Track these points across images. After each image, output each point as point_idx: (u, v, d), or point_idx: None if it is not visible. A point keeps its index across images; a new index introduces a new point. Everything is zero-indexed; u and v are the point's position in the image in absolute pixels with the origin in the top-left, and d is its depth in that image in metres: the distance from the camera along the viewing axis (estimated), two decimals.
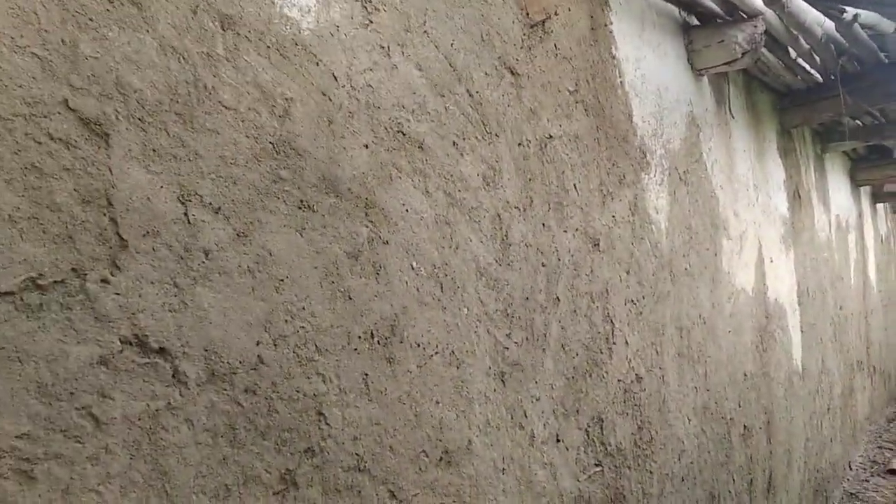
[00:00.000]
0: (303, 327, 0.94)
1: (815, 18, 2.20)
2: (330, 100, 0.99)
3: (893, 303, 6.71)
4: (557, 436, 1.50)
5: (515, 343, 1.39)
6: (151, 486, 0.77)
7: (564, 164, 1.58)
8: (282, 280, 0.91)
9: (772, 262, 3.04)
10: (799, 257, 3.48)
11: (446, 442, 1.18)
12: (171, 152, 0.80)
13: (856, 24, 2.33)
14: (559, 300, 1.53)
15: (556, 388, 1.50)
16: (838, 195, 4.53)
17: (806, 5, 2.11)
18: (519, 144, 1.43)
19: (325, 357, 0.97)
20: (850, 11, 2.14)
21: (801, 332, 3.48)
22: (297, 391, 0.93)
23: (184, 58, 0.81)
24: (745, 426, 2.61)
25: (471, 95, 1.29)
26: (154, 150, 0.78)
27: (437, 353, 1.17)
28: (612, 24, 1.82)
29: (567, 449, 1.52)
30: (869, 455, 4.78)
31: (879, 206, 6.21)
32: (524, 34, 1.46)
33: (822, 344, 3.90)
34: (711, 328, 2.35)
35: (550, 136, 1.53)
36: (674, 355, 2.07)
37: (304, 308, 0.94)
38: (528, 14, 1.47)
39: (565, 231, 1.57)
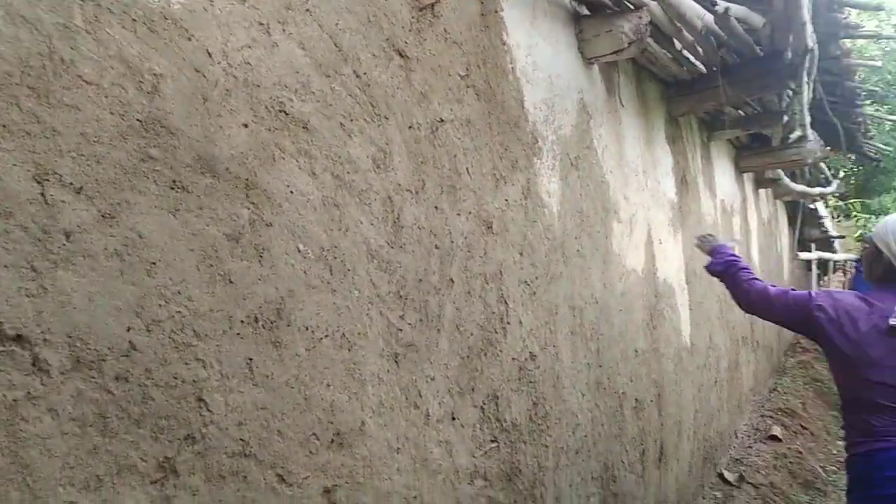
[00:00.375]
0: (179, 312, 0.91)
1: (696, 11, 2.33)
2: (204, 77, 0.96)
3: (773, 280, 7.23)
4: (453, 414, 1.53)
5: (409, 324, 1.40)
6: (11, 480, 0.73)
7: (457, 147, 1.60)
8: (154, 263, 0.88)
9: (661, 243, 3.21)
10: (687, 239, 3.68)
11: (338, 424, 1.18)
12: (24, 129, 0.75)
13: (732, 19, 2.49)
14: (453, 282, 1.56)
15: (451, 368, 1.53)
16: (723, 181, 4.82)
17: None
18: (410, 127, 1.44)
19: (204, 342, 0.95)
20: (722, 4, 2.28)
21: (690, 309, 3.70)
22: (175, 377, 0.91)
23: (36, 28, 0.77)
24: (636, 399, 2.74)
25: (358, 77, 1.29)
26: (4, 126, 0.74)
27: (326, 335, 1.17)
28: (502, 10, 1.85)
29: (463, 426, 1.56)
30: (753, 423, 5.15)
31: (762, 191, 6.66)
32: (413, 17, 1.47)
33: (710, 321, 4.16)
34: (604, 307, 2.46)
35: (442, 120, 1.55)
36: (567, 333, 2.15)
37: (179, 292, 0.91)
38: None
39: (458, 214, 1.60)
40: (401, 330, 1.37)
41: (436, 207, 1.52)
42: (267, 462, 1.04)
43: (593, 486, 2.26)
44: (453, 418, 1.53)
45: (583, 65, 2.41)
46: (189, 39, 0.94)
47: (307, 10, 1.17)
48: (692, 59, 3.02)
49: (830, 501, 4.22)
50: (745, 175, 5.69)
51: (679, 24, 2.37)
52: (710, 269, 2.47)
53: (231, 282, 0.99)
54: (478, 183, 1.69)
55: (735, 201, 5.23)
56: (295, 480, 1.09)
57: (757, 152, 5.21)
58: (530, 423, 1.87)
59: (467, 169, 1.65)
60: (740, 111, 4.13)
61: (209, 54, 0.97)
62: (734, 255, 2.45)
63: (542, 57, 2.08)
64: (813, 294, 2.15)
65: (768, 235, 7.05)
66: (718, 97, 3.17)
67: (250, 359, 1.02)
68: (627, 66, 2.91)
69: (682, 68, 3.10)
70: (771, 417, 5.34)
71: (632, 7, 2.29)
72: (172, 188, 0.91)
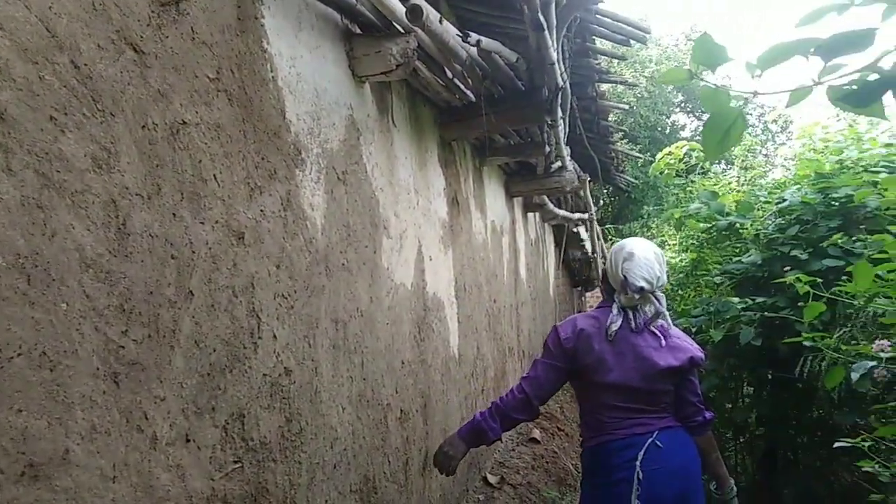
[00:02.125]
0: None
1: (459, 42, 2.47)
2: None
3: (540, 297, 7.91)
4: (187, 436, 1.43)
5: (134, 341, 1.29)
6: None
7: (202, 153, 1.52)
8: None
9: (431, 260, 3.35)
10: (457, 256, 3.89)
11: (31, 454, 1.04)
12: None
13: (494, 53, 2.69)
14: (193, 294, 1.47)
15: (187, 387, 1.44)
16: (495, 203, 5.18)
17: (450, 27, 2.35)
18: (143, 127, 1.34)
19: None
20: (474, 37, 2.45)
21: (459, 322, 3.90)
22: None
23: None
24: (401, 410, 2.81)
25: (77, 67, 1.17)
26: None
27: (19, 354, 1.03)
28: (263, 18, 1.81)
29: (199, 448, 1.47)
30: (517, 428, 5.54)
31: (530, 214, 7.27)
32: (153, 11, 1.37)
33: (478, 333, 4.41)
34: (369, 320, 2.49)
35: (185, 122, 1.46)
36: (328, 347, 2.14)
37: None
38: None
39: (202, 223, 1.51)
40: (123, 347, 1.25)
41: (174, 214, 1.42)
42: None
43: (352, 499, 2.27)
44: (188, 440, 1.43)
45: (353, 82, 2.43)
46: None
47: None
48: (462, 87, 3.21)
49: (578, 494, 4.68)
50: (516, 199, 6.17)
51: (445, 53, 2.50)
52: (468, 436, 2.43)
53: None
54: (228, 191, 1.62)
55: (505, 222, 5.64)
56: None
57: (524, 178, 5.69)
58: (282, 440, 1.82)
59: (215, 176, 1.57)
60: (508, 140, 4.47)
61: None
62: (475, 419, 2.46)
63: (307, 69, 2.06)
64: (559, 333, 2.40)
65: (536, 255, 7.70)
66: (485, 125, 3.40)
67: None
68: (402, 89, 3.01)
69: (453, 95, 3.27)
70: (533, 422, 5.80)
71: (401, 31, 2.37)
72: None
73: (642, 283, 2.31)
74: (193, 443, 1.45)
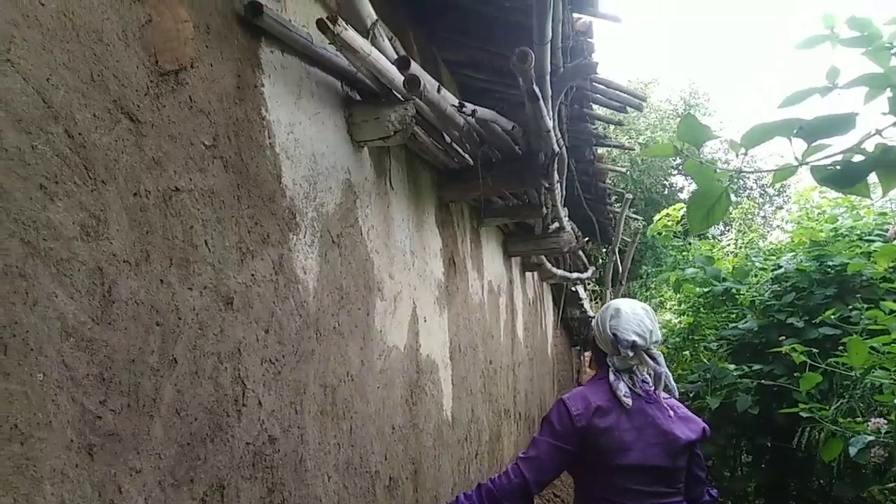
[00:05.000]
0: None
1: (456, 110, 2.52)
2: None
3: (538, 357, 7.84)
4: None
5: (112, 411, 1.26)
6: None
7: (194, 218, 1.53)
8: None
9: (426, 321, 3.32)
10: (453, 317, 3.87)
11: None
12: None
13: (490, 122, 2.73)
14: (177, 362, 1.45)
15: (165, 458, 1.40)
16: (492, 264, 5.18)
17: (447, 95, 2.40)
18: (135, 194, 1.34)
19: None
20: (469, 107, 2.50)
21: (453, 384, 3.84)
22: None
23: None
24: (391, 478, 2.74)
25: (71, 137, 1.18)
26: None
27: None
28: (263, 86, 1.84)
29: None
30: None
31: (528, 274, 7.27)
32: (151, 81, 1.40)
33: (473, 395, 4.35)
34: (360, 385, 2.45)
35: (177, 189, 1.47)
36: (316, 413, 2.10)
37: None
38: (157, 62, 1.41)
39: (190, 288, 1.50)
40: (100, 417, 1.23)
41: (161, 281, 1.41)
42: None
43: None
44: None
45: (352, 147, 2.47)
46: None
47: (8, 60, 1.06)
48: (460, 151, 3.26)
49: None
50: (514, 259, 6.19)
51: (442, 120, 2.54)
52: None
53: None
54: (218, 256, 1.61)
55: (503, 282, 5.63)
56: None
57: (523, 238, 5.71)
58: None
59: (206, 241, 1.57)
60: (506, 202, 4.51)
61: None
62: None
63: (305, 135, 2.09)
64: (568, 409, 2.09)
65: (534, 314, 7.67)
66: (483, 188, 3.43)
67: None
68: (400, 152, 3.05)
69: (451, 159, 3.31)
70: None
71: (399, 98, 2.41)
72: None
73: (634, 338, 2.12)
74: None
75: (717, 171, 1.24)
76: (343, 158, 2.38)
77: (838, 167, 1.16)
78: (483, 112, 2.62)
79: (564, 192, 4.82)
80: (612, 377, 2.16)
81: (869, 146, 1.17)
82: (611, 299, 2.45)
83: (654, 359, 2.14)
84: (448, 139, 3.10)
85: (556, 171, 3.58)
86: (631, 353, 2.14)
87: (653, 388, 2.17)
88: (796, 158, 1.18)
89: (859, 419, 2.43)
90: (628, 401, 2.09)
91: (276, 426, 1.85)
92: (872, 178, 1.19)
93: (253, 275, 1.76)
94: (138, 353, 1.33)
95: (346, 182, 2.40)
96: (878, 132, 1.11)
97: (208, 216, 1.58)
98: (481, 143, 3.09)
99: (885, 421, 2.12)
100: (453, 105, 2.39)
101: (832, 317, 3.24)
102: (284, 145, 1.96)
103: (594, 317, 2.27)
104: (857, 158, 1.17)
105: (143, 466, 1.33)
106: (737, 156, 1.24)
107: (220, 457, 1.59)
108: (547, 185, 3.56)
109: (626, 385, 2.15)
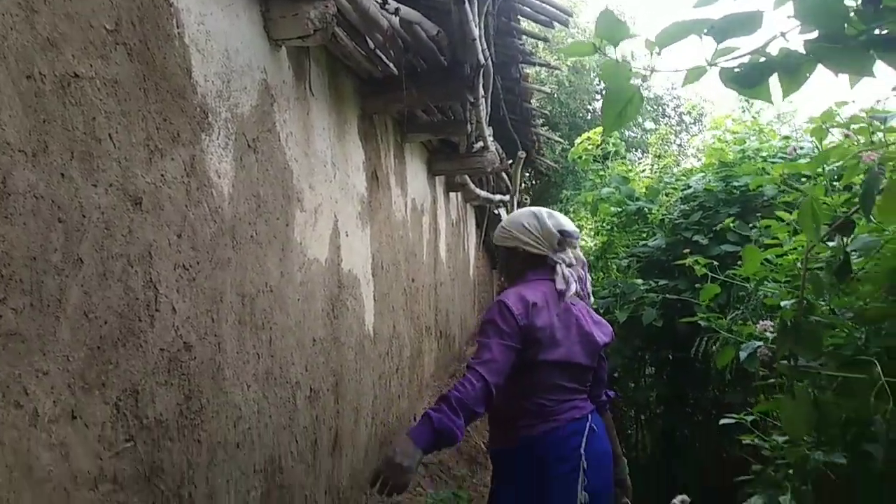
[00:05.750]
0: None
1: (378, 8, 2.41)
2: None
3: (459, 277, 7.97)
4: (73, 412, 1.34)
5: (13, 310, 1.19)
6: None
7: (96, 109, 1.41)
8: None
9: (347, 236, 3.28)
10: (375, 233, 3.84)
11: None
12: None
13: (415, 25, 2.64)
14: (83, 261, 1.37)
15: (74, 360, 1.34)
16: (416, 181, 5.14)
17: None
18: (28, 77, 1.22)
19: None
20: (393, 4, 2.40)
21: (375, 300, 3.86)
22: None
23: None
24: (311, 389, 2.76)
25: None
26: None
27: None
28: None
29: (87, 426, 1.38)
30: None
31: (452, 194, 7.27)
32: None
33: (395, 312, 4.39)
34: (279, 296, 2.41)
35: (76, 75, 1.35)
36: (234, 322, 2.06)
37: None
38: None
39: (94, 185, 1.41)
40: (0, 316, 1.15)
41: (62, 175, 1.31)
42: None
43: (256, 480, 2.21)
44: (74, 417, 1.34)
45: (269, 45, 2.33)
46: None
47: None
48: (384, 58, 3.14)
49: (488, 472, 4.77)
50: (438, 178, 6.15)
51: (366, 21, 2.43)
52: (428, 440, 1.87)
53: None
54: (125, 153, 1.51)
55: (426, 201, 5.61)
56: None
57: (447, 157, 5.66)
58: (180, 418, 1.74)
59: (111, 135, 1.46)
60: (431, 117, 4.43)
61: None
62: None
63: (217, 28, 1.95)
64: (510, 308, 2.03)
65: (456, 235, 7.73)
66: (407, 99, 3.35)
67: None
68: (321, 56, 2.91)
69: (374, 66, 3.20)
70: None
71: None
72: None
73: (576, 229, 2.21)
74: (80, 420, 1.36)
75: (631, 70, 1.25)
76: (259, 57, 2.25)
77: (743, 69, 1.20)
78: (407, 11, 2.52)
79: (489, 109, 4.78)
80: (564, 272, 2.15)
81: (774, 50, 1.20)
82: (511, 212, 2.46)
83: (579, 259, 2.23)
84: (372, 45, 2.98)
85: (481, 86, 3.54)
86: (577, 245, 2.21)
87: (585, 288, 2.25)
88: (706, 60, 1.21)
89: (750, 323, 2.61)
90: (569, 294, 2.12)
91: (191, 333, 1.80)
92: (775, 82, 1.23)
93: (163, 175, 1.67)
94: (40, 251, 1.25)
95: (263, 83, 2.28)
96: (783, 34, 1.13)
97: (112, 108, 1.46)
98: (406, 51, 2.99)
99: (772, 323, 2.29)
100: (377, 1, 2.28)
101: (731, 225, 3.43)
102: (194, 37, 1.82)
103: (510, 228, 2.26)
104: (761, 61, 1.20)
105: (51, 368, 1.27)
106: (652, 55, 1.25)
107: (134, 362, 1.54)
108: (472, 99, 3.51)
109: (573, 278, 2.17)
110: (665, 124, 16.67)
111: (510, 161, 8.72)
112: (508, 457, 2.18)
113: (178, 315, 1.73)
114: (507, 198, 9.40)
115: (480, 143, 5.39)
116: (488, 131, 5.13)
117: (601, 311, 4.82)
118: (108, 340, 1.45)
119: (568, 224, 2.23)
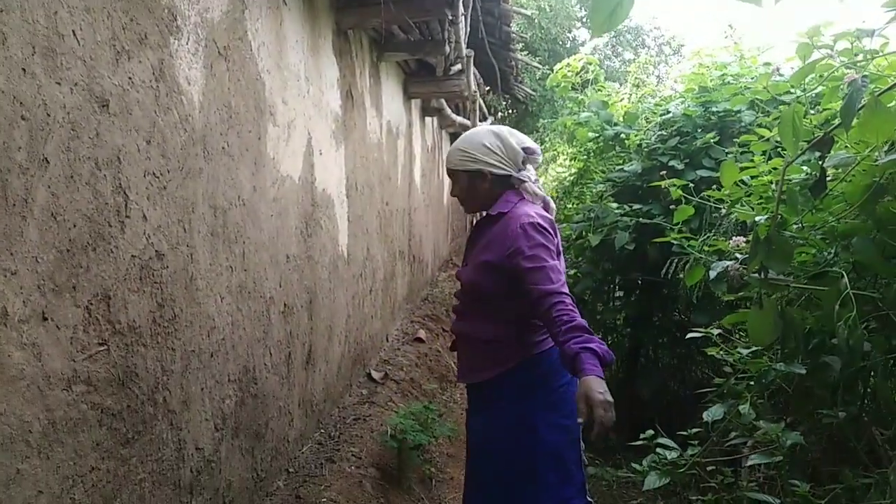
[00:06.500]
0: None
1: None
2: None
3: (434, 204, 7.96)
4: (44, 314, 1.34)
5: None
6: None
7: (58, 3, 1.35)
8: None
9: (321, 154, 3.24)
10: (350, 154, 3.79)
11: None
12: None
13: None
14: (48, 162, 1.34)
15: (43, 262, 1.33)
16: (391, 103, 5.04)
17: None
18: None
19: None
20: None
21: (349, 221, 3.85)
22: None
23: None
24: (285, 304, 2.78)
25: None
26: None
27: None
28: None
29: (58, 328, 1.38)
30: (403, 328, 5.68)
31: (428, 119, 7.17)
32: None
33: (368, 234, 4.39)
34: (252, 210, 2.39)
35: None
36: (206, 234, 2.04)
37: None
38: None
39: (59, 83, 1.36)
40: None
41: (24, 70, 1.26)
42: None
43: (230, 389, 2.25)
44: (45, 318, 1.34)
45: None
46: None
47: None
48: None
49: (457, 390, 4.92)
50: (414, 101, 6.04)
51: None
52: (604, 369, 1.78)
53: None
54: (90, 51, 1.45)
55: (402, 124, 5.53)
56: None
57: (424, 80, 5.54)
58: (153, 325, 1.75)
59: (74, 32, 1.40)
60: (408, 35, 4.31)
61: None
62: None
63: None
64: (546, 228, 2.01)
65: (431, 161, 7.67)
66: (384, 13, 3.24)
67: None
68: None
69: None
70: (419, 323, 5.96)
71: None
72: None
73: (537, 146, 2.19)
74: (51, 322, 1.36)
75: None
76: None
77: None
78: None
79: (468, 30, 4.66)
80: (533, 188, 2.13)
81: None
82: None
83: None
84: None
85: (461, 3, 3.43)
86: (538, 162, 2.17)
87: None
88: None
89: (722, 239, 2.64)
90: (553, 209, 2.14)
91: (163, 242, 1.79)
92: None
93: (130, 78, 1.61)
94: (3, 148, 1.21)
95: None
96: None
97: (75, 3, 1.40)
98: None
99: (744, 239, 2.33)
100: None
101: (711, 141, 3.41)
102: None
103: (471, 150, 2.12)
104: None
105: (19, 268, 1.26)
106: None
107: (105, 266, 1.53)
108: (451, 17, 3.42)
109: (543, 191, 2.17)
110: (645, 55, 16.45)
111: (487, 88, 8.57)
112: (530, 370, 2.10)
113: (149, 223, 1.71)
114: (483, 124, 9.30)
115: (458, 66, 5.28)
116: (467, 52, 5.01)
117: (574, 235, 4.86)
118: (78, 244, 1.43)
119: (529, 140, 2.18)
